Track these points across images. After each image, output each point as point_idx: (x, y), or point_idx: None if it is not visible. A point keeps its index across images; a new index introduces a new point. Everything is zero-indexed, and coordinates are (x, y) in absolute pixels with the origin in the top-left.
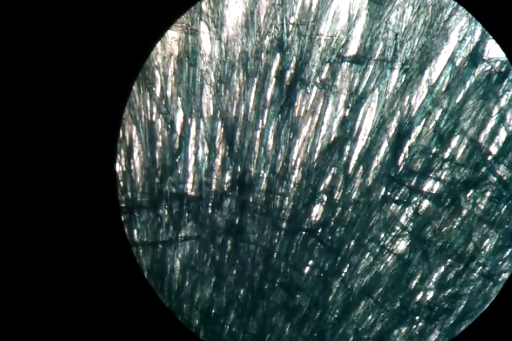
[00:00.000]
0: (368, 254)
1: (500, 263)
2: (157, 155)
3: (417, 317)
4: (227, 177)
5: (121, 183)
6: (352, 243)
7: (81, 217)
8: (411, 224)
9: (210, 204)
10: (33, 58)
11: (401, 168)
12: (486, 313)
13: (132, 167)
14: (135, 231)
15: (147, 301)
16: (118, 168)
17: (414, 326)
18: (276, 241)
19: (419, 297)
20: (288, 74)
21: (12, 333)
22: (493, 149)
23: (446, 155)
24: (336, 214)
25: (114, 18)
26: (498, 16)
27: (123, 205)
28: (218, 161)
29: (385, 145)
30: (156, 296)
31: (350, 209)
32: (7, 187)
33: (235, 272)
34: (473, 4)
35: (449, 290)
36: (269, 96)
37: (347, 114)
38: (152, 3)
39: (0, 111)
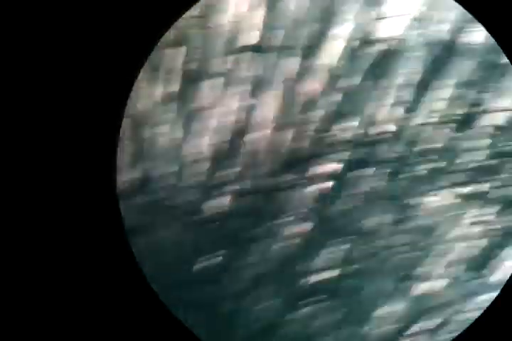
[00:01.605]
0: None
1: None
2: None
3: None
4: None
5: None
6: (258, 229)
7: (78, 207)
8: (315, 206)
9: None
10: (33, 59)
11: (302, 152)
12: (486, 313)
13: None
14: None
15: (145, 298)
16: None
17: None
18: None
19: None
20: (191, 67)
21: (5, 329)
22: (387, 128)
23: (345, 136)
24: (233, 204)
25: (113, 18)
26: (498, 16)
27: None
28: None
29: (291, 131)
30: (153, 291)
31: (254, 198)
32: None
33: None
34: (473, 4)
35: (356, 266)
36: (175, 90)
37: (253, 102)
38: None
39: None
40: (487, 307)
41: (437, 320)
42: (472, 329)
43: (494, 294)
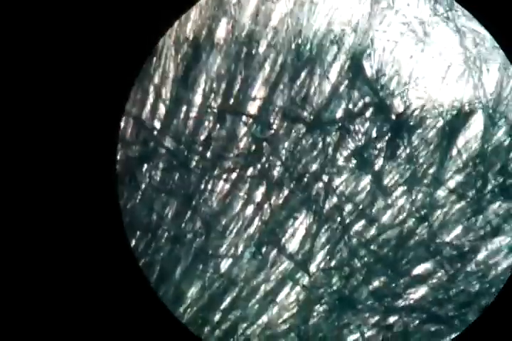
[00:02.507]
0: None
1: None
2: None
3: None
4: None
5: None
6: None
7: (80, 207)
8: None
9: None
10: (33, 59)
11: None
12: (486, 313)
13: None
14: None
15: (146, 299)
16: None
17: None
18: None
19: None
20: None
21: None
22: (156, 124)
23: None
24: None
25: (113, 18)
26: (498, 16)
27: None
28: None
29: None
30: (154, 292)
31: None
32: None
33: None
34: (472, 4)
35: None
36: None
37: None
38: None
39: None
40: (487, 308)
41: None
42: (472, 329)
43: None
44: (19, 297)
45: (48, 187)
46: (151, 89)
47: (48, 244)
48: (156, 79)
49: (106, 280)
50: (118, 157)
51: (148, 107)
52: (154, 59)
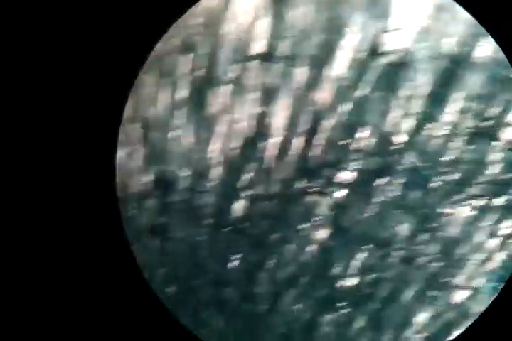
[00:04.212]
0: (291, 245)
1: (416, 246)
2: None
3: (342, 304)
4: (148, 178)
5: None
6: (275, 235)
7: (79, 209)
8: (330, 213)
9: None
10: (33, 59)
11: (315, 160)
12: (486, 314)
13: None
14: None
15: (145, 299)
16: None
17: (340, 312)
18: (201, 237)
19: (342, 283)
20: (199, 74)
21: (5, 329)
22: (399, 139)
23: (356, 145)
24: (258, 208)
25: (113, 18)
26: (498, 16)
27: None
28: (139, 162)
29: (300, 139)
30: (153, 293)
31: (271, 202)
32: (5, 180)
33: (162, 271)
34: (472, 4)
35: (371, 276)
36: (182, 96)
37: (260, 110)
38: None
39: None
40: (487, 308)
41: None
42: (472, 329)
43: None
44: (19, 297)
45: (47, 187)
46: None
47: (49, 247)
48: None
49: (106, 281)
50: None
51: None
52: None
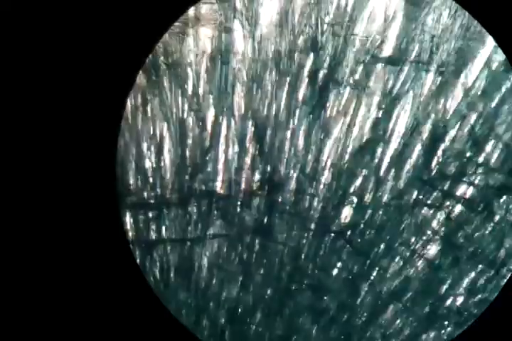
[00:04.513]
0: (397, 258)
1: None
2: (187, 153)
3: (446, 322)
4: (257, 177)
5: (151, 179)
6: (382, 246)
7: (80, 212)
8: (442, 229)
9: (239, 203)
10: (33, 59)
11: (434, 171)
12: (486, 313)
13: (162, 163)
14: (163, 228)
15: (146, 300)
16: (148, 164)
17: (443, 331)
18: (304, 242)
19: (448, 302)
20: (321, 74)
21: (5, 329)
22: None
23: (481, 159)
24: (366, 216)
25: (113, 18)
26: (498, 16)
27: (152, 202)
28: (248, 160)
29: (418, 148)
30: (154, 295)
31: (380, 212)
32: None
33: (262, 272)
34: (472, 4)
35: (479, 296)
36: (301, 96)
37: (380, 115)
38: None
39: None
40: (487, 308)
41: None
42: (472, 329)
43: None
44: (19, 298)
45: (47, 187)
46: None
47: (49, 248)
48: None
49: (106, 280)
50: None
51: None
52: None
